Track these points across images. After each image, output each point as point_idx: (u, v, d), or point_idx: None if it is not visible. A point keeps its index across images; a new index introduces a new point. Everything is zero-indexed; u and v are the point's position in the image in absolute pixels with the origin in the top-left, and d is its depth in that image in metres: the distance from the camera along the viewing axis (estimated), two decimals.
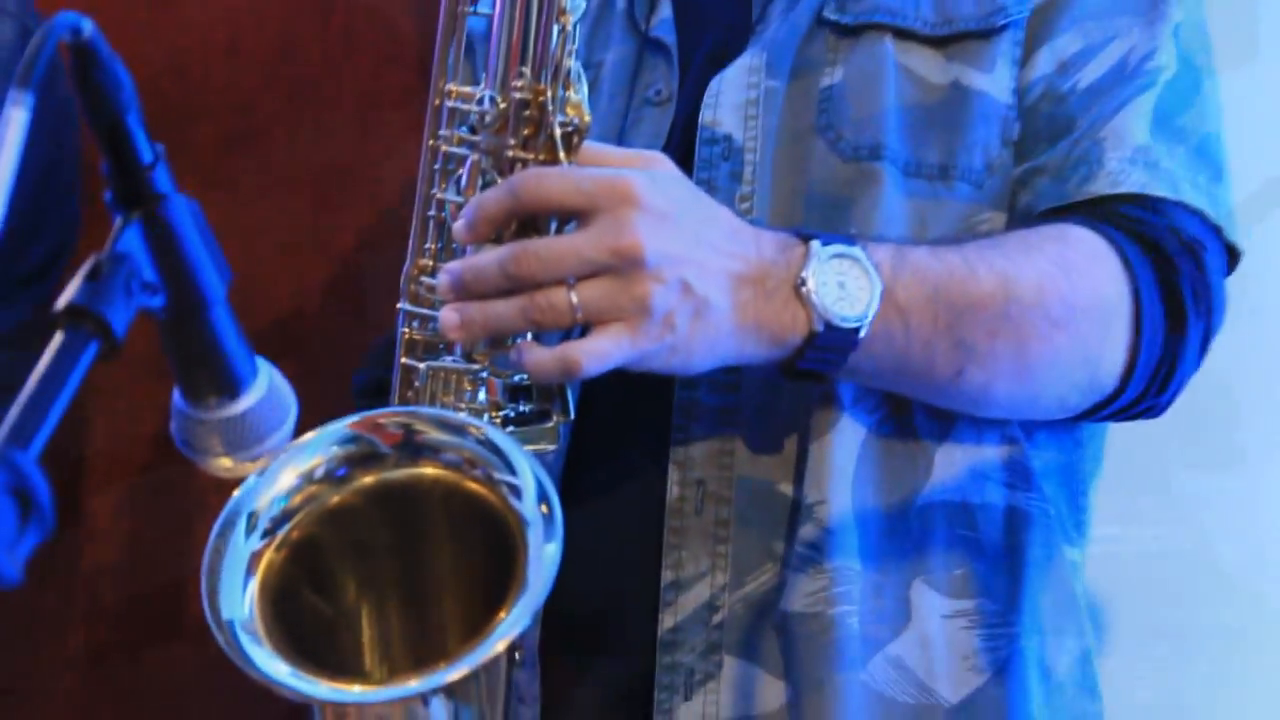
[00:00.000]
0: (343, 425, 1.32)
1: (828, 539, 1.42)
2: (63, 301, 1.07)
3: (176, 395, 1.23)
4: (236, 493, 1.30)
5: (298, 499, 1.31)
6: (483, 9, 1.39)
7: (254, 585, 1.27)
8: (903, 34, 1.49)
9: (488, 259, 1.24)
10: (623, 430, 1.49)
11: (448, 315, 1.27)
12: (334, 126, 2.24)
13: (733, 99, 1.49)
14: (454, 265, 1.28)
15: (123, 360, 1.50)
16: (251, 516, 1.29)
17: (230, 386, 1.22)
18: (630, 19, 1.60)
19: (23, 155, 1.89)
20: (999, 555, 1.46)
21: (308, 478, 1.32)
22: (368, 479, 1.32)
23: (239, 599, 1.25)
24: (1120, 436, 1.77)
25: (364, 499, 1.31)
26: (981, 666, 1.44)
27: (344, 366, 1.83)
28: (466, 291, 1.26)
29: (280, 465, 1.31)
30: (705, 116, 1.49)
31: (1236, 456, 2.22)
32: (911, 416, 1.46)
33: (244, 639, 1.23)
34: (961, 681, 1.43)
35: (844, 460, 1.43)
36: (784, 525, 1.44)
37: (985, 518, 1.46)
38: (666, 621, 1.44)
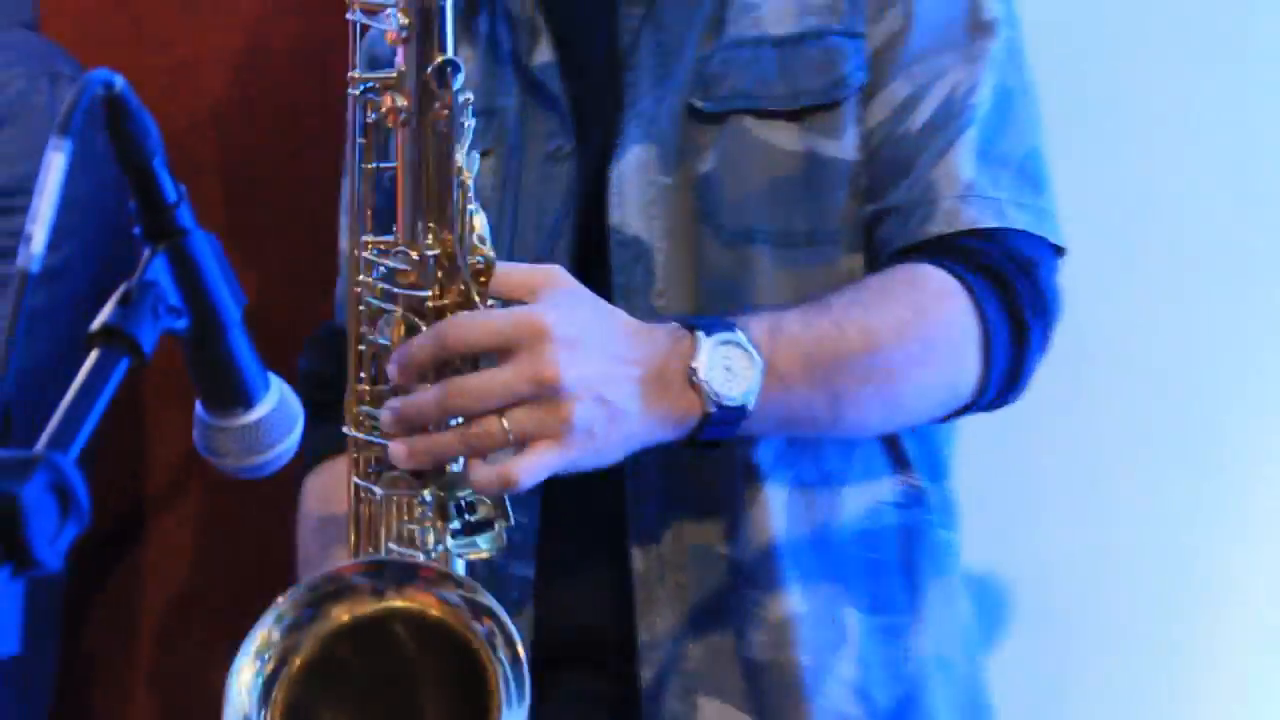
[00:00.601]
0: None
1: (773, 600, 1.44)
2: (98, 323, 1.09)
3: (198, 406, 1.24)
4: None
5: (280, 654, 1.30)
6: (388, 163, 1.39)
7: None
8: (758, 113, 1.49)
9: (426, 398, 1.26)
10: (586, 512, 1.49)
11: (397, 449, 1.28)
12: (333, 176, 2.23)
13: (636, 199, 1.49)
14: (395, 403, 1.29)
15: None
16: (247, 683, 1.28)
17: (245, 398, 1.23)
18: (515, 59, 1.58)
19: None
20: (899, 571, 1.49)
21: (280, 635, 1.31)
22: (341, 616, 1.31)
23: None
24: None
25: (339, 635, 1.31)
26: (902, 674, 1.46)
27: None
28: (408, 426, 1.27)
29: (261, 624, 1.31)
30: (614, 217, 1.49)
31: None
32: (822, 465, 1.49)
33: None
34: (891, 689, 1.45)
35: (775, 520, 1.45)
36: (731, 584, 1.46)
37: (884, 541, 1.49)
38: (646, 675, 1.45)
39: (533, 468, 1.23)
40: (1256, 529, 2.05)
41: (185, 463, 2.40)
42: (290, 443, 1.28)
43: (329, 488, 1.53)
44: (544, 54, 1.58)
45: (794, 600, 1.44)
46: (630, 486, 1.47)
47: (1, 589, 0.97)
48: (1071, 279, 1.54)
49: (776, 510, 1.45)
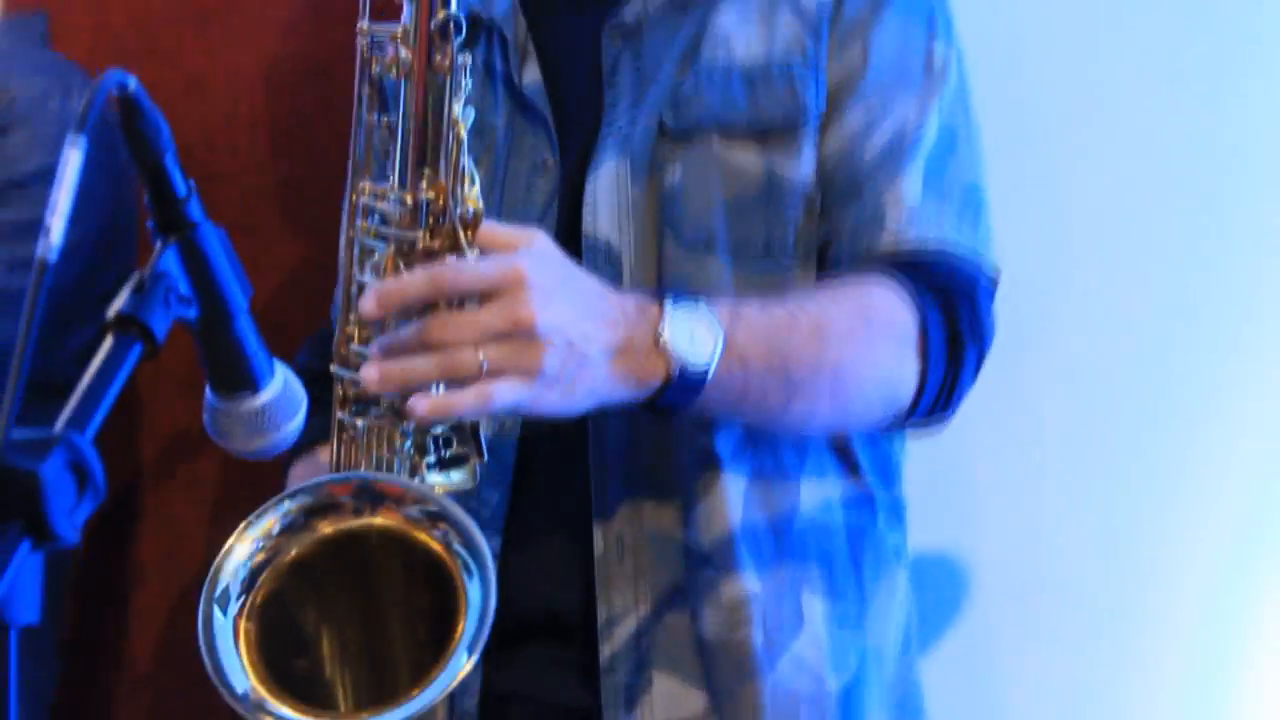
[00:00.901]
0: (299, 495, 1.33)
1: (731, 579, 1.45)
2: (113, 311, 1.09)
3: (208, 390, 1.25)
4: (208, 582, 1.30)
5: (264, 562, 1.31)
6: (391, 118, 1.40)
7: (240, 641, 1.27)
8: (725, 134, 1.51)
9: (408, 330, 1.28)
10: (553, 492, 1.50)
11: (368, 370, 1.28)
12: (337, 182, 2.23)
13: (608, 207, 1.51)
14: (382, 340, 1.31)
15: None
16: (225, 591, 1.29)
17: (251, 383, 1.23)
18: (506, 78, 1.60)
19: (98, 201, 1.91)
20: (849, 565, 1.49)
21: (268, 543, 1.32)
22: (324, 529, 1.32)
23: (232, 652, 1.26)
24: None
25: (322, 548, 1.32)
26: (848, 663, 1.46)
27: None
28: (390, 352, 1.29)
29: (248, 529, 1.32)
30: (587, 223, 1.51)
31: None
32: (779, 459, 1.49)
33: (257, 705, 1.25)
34: (839, 676, 1.46)
35: (733, 507, 1.46)
36: (687, 566, 1.46)
37: (835, 534, 1.49)
38: (605, 651, 1.45)
39: (506, 393, 1.24)
40: (1186, 523, 2.02)
41: (180, 444, 2.40)
42: (294, 426, 1.28)
43: (312, 473, 1.53)
44: (532, 74, 1.60)
45: (749, 581, 1.44)
46: (594, 470, 1.48)
47: (22, 561, 0.97)
48: (1010, 278, 1.56)
49: (734, 498, 1.46)
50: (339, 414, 1.39)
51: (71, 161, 1.01)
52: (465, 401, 1.25)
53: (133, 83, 1.07)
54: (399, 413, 1.32)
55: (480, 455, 1.36)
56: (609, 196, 1.51)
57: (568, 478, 1.49)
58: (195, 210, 1.15)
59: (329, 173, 2.15)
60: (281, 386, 1.26)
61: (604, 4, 1.59)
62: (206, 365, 1.23)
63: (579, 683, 1.47)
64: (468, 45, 1.57)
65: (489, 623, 1.21)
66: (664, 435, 1.47)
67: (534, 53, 1.60)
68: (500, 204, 1.55)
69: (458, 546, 1.25)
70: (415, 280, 1.29)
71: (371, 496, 1.31)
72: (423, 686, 1.22)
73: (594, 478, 1.48)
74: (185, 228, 1.15)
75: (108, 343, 1.09)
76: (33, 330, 1.09)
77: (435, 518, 1.28)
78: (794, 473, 1.49)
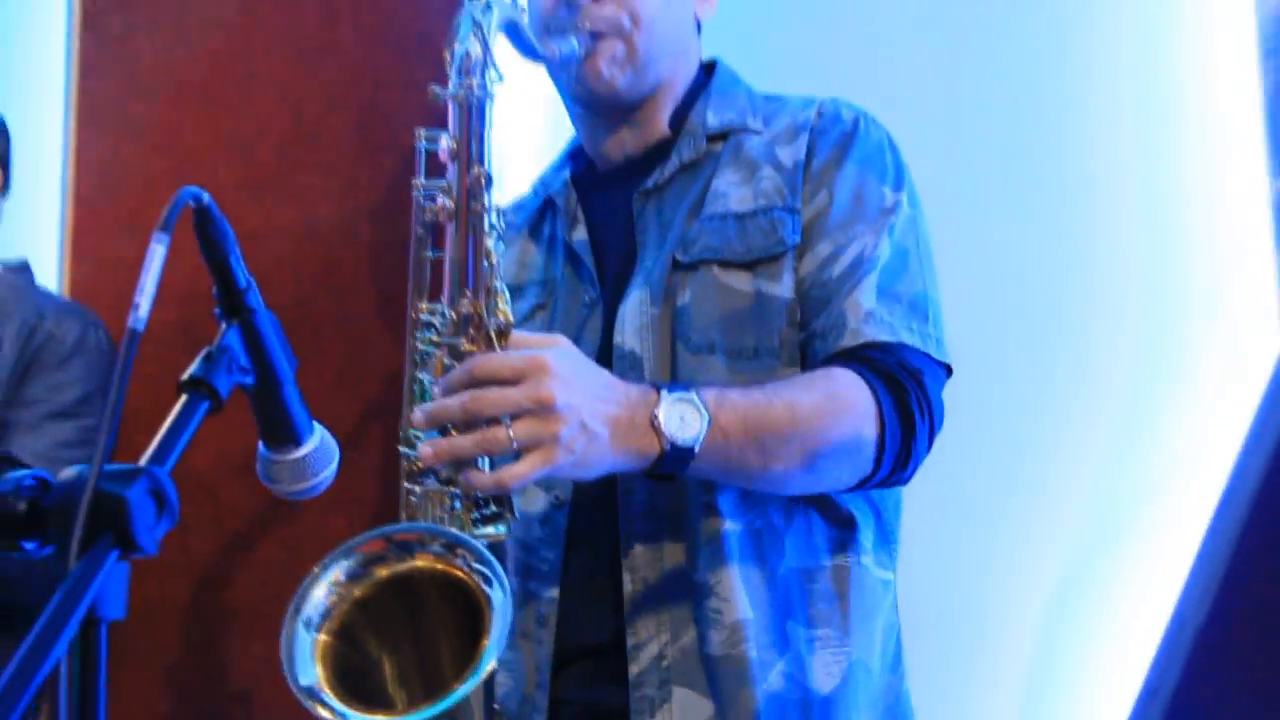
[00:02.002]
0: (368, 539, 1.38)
1: (728, 607, 1.46)
2: (185, 375, 1.12)
3: (260, 445, 1.27)
4: (299, 595, 1.35)
5: (337, 599, 1.35)
6: (438, 253, 1.48)
7: (317, 661, 1.31)
8: (722, 264, 1.54)
9: (452, 402, 1.31)
10: (594, 548, 1.53)
11: (424, 448, 1.33)
12: (358, 315, 2.25)
13: (633, 325, 1.55)
14: (425, 405, 1.35)
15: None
16: (307, 621, 1.33)
17: (295, 439, 1.25)
18: (564, 240, 1.66)
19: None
20: (832, 598, 1.49)
21: (336, 588, 1.36)
22: (380, 573, 1.36)
23: (310, 667, 1.29)
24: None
25: (380, 587, 1.36)
26: (834, 672, 1.46)
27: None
28: (435, 421, 1.33)
29: (319, 577, 1.36)
30: (617, 338, 1.55)
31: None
32: (769, 519, 1.50)
33: (317, 692, 1.28)
34: (826, 681, 1.46)
35: (732, 554, 1.47)
36: (695, 602, 1.47)
37: (820, 576, 1.50)
38: (634, 670, 1.47)
39: (523, 473, 1.28)
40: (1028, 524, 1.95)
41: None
42: (328, 474, 1.30)
43: None
44: (580, 233, 1.65)
45: (743, 610, 1.45)
46: (623, 527, 1.51)
47: (112, 568, 0.99)
48: None
49: (731, 545, 1.47)
50: (404, 484, 1.43)
51: (156, 255, 1.04)
52: (502, 480, 1.30)
53: (206, 196, 1.11)
54: (447, 482, 1.38)
55: (512, 514, 1.41)
56: (634, 318, 1.55)
57: (604, 535, 1.51)
58: (254, 299, 1.18)
59: (361, 308, 2.22)
60: (319, 442, 1.28)
61: (635, 177, 1.64)
62: (259, 423, 1.25)
63: (614, 690, 1.48)
64: (538, 222, 1.65)
65: (510, 614, 1.26)
66: (676, 495, 1.50)
67: (582, 218, 1.66)
68: (556, 331, 1.58)
69: (476, 565, 1.30)
70: (456, 373, 1.33)
71: (407, 546, 1.35)
72: (466, 674, 1.26)
73: (622, 533, 1.50)
74: (245, 312, 1.17)
75: (182, 399, 1.11)
76: (122, 388, 1.12)
77: (454, 548, 1.33)
78: (781, 529, 1.50)
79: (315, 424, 1.28)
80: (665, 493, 1.50)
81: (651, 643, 1.47)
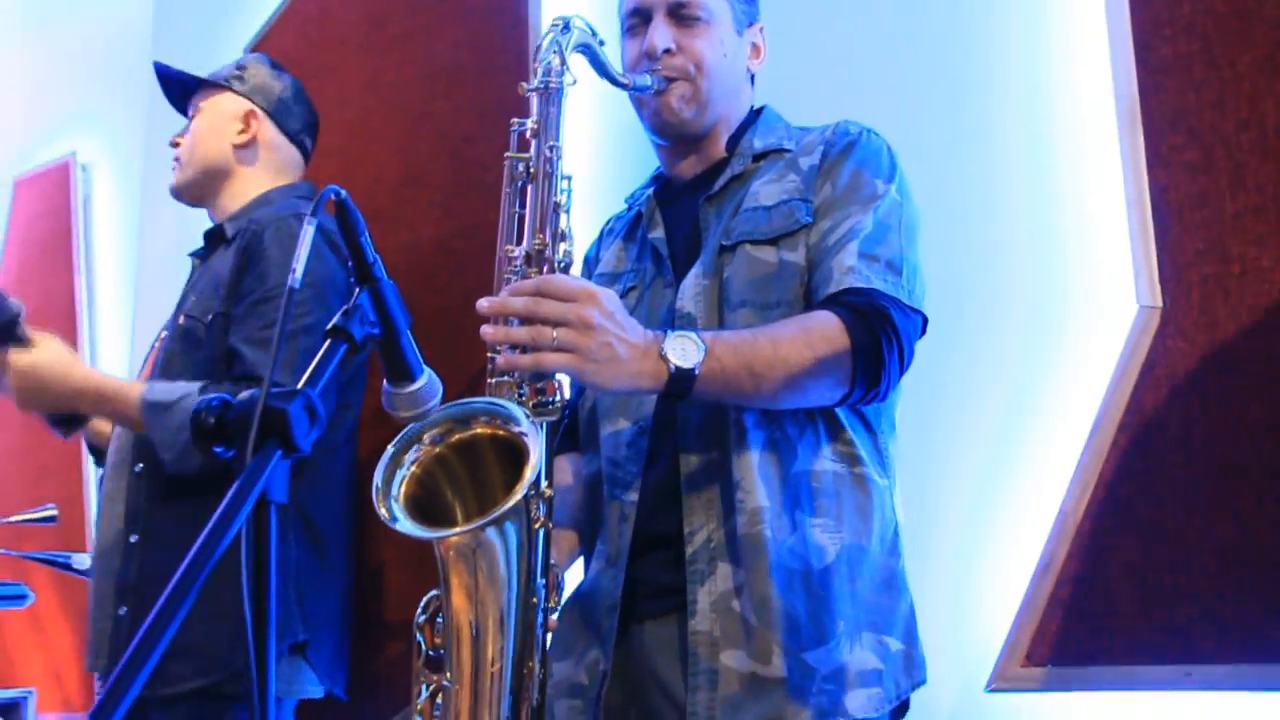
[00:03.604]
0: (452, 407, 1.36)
1: (749, 497, 1.43)
2: (330, 325, 1.12)
3: (385, 381, 1.27)
4: (385, 455, 1.33)
5: (416, 453, 1.34)
6: (521, 210, 1.46)
7: (400, 492, 1.30)
8: (754, 243, 1.52)
9: (516, 300, 1.29)
10: (661, 461, 1.50)
11: (485, 329, 1.32)
12: (450, 309, 2.22)
13: (689, 294, 1.53)
14: (496, 299, 1.32)
15: None
16: (393, 464, 1.32)
17: (410, 376, 1.25)
18: (646, 240, 1.64)
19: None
20: (831, 495, 1.45)
21: (418, 443, 1.35)
22: (452, 438, 1.35)
23: (392, 496, 1.29)
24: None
25: (449, 449, 1.35)
26: (830, 551, 1.42)
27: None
28: (499, 310, 1.31)
29: (401, 441, 1.35)
30: (679, 304, 1.53)
31: None
32: (784, 430, 1.47)
33: (395, 509, 1.28)
34: (823, 557, 1.41)
35: (754, 457, 1.44)
36: (730, 496, 1.44)
37: (823, 478, 1.46)
38: (689, 550, 1.44)
39: (556, 363, 1.27)
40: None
41: None
42: (435, 402, 1.29)
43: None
44: (657, 232, 1.63)
45: (762, 500, 1.42)
46: (680, 443, 1.48)
47: (277, 463, 0.99)
48: None
49: (754, 451, 1.44)
50: (488, 378, 1.41)
51: (307, 234, 1.05)
52: (541, 362, 1.28)
53: (343, 191, 1.11)
54: (491, 348, 1.36)
55: (560, 400, 1.40)
56: (691, 289, 1.53)
57: (669, 451, 1.49)
58: (379, 270, 1.18)
59: (438, 293, 2.18)
60: (428, 379, 1.28)
61: (699, 189, 1.63)
62: (384, 364, 1.25)
63: (673, 572, 1.45)
64: (632, 227, 1.69)
65: (540, 461, 1.27)
66: (718, 416, 1.47)
67: (660, 221, 1.64)
68: (644, 305, 1.59)
69: (520, 428, 1.30)
70: (527, 281, 1.32)
71: (470, 414, 1.35)
72: (509, 496, 1.25)
73: (680, 446, 1.48)
74: (372, 280, 1.17)
75: (327, 343, 1.11)
76: (283, 330, 1.12)
77: (504, 420, 1.32)
78: (795, 439, 1.46)
79: (425, 366, 1.28)
80: (711, 415, 1.47)
81: (701, 530, 1.44)
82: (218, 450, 1.04)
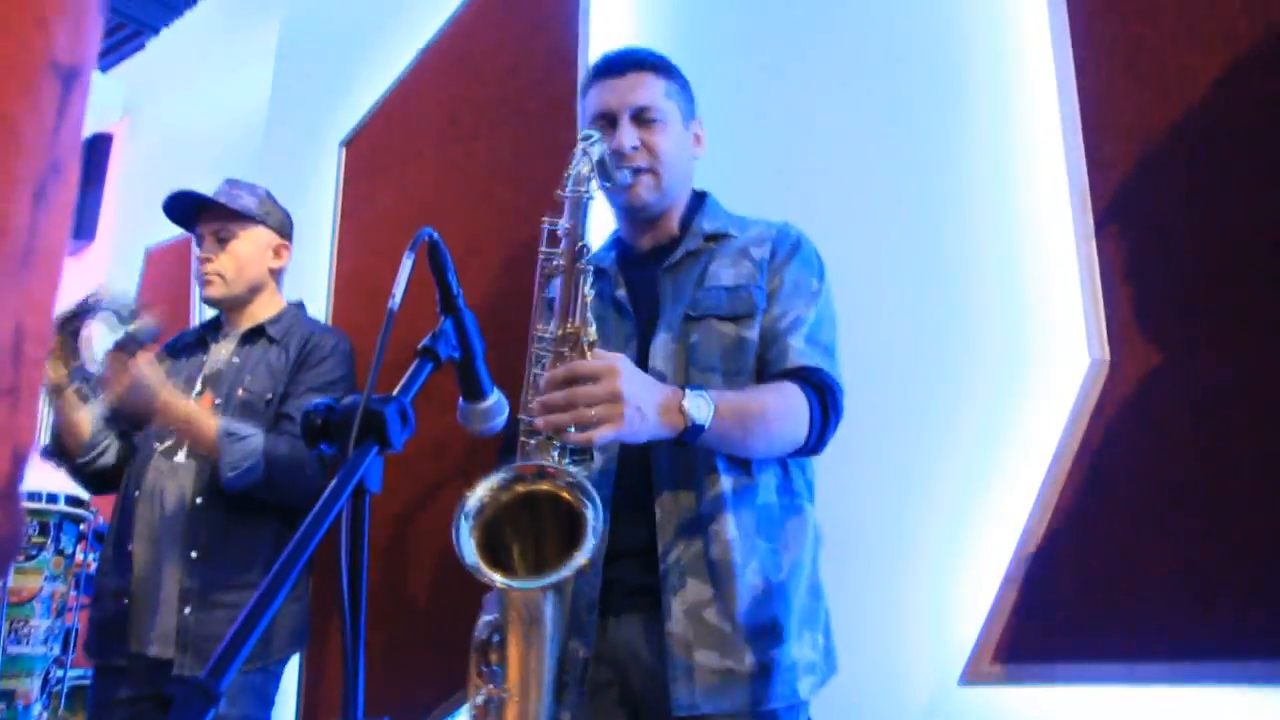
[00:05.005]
0: (506, 471, 1.34)
1: (722, 529, 1.42)
2: (420, 345, 1.11)
3: (460, 400, 1.25)
4: (462, 503, 1.31)
5: (488, 502, 1.32)
6: (551, 295, 1.45)
7: (473, 540, 1.28)
8: (719, 318, 1.52)
9: (558, 395, 1.28)
10: (634, 492, 1.48)
11: (538, 421, 1.31)
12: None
13: (660, 355, 1.52)
14: (540, 397, 1.31)
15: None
16: (468, 513, 1.30)
17: (482, 394, 1.24)
18: (611, 296, 1.63)
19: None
20: (781, 524, 1.46)
21: (490, 493, 1.33)
22: (518, 489, 1.33)
23: (469, 546, 1.27)
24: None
25: (516, 498, 1.33)
26: (784, 569, 1.43)
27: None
28: (546, 406, 1.29)
29: (480, 487, 1.32)
30: (651, 364, 1.53)
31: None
32: (750, 471, 1.47)
33: (480, 570, 1.25)
34: (776, 576, 1.41)
35: (725, 494, 1.44)
36: (702, 527, 1.44)
37: (774, 510, 1.46)
38: (662, 567, 1.43)
39: (604, 434, 1.26)
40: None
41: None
42: (502, 418, 1.28)
43: None
44: (622, 292, 1.63)
45: (731, 532, 1.42)
46: (655, 476, 1.47)
47: (373, 459, 0.97)
48: None
49: (725, 490, 1.44)
50: (522, 438, 1.40)
51: (406, 263, 1.03)
52: (590, 437, 1.26)
53: (435, 234, 1.10)
54: (553, 438, 1.34)
55: (592, 459, 1.39)
56: (661, 350, 1.53)
57: (642, 483, 1.48)
58: (461, 302, 1.17)
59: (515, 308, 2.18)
60: (497, 398, 1.27)
61: (659, 259, 1.63)
62: (460, 384, 1.24)
63: (648, 575, 1.44)
64: (597, 280, 1.65)
65: (600, 529, 1.23)
66: (689, 460, 1.47)
67: (622, 283, 1.64)
68: (610, 345, 1.56)
69: (581, 496, 1.27)
70: (559, 370, 1.31)
71: (540, 474, 1.32)
72: (565, 562, 1.23)
73: (655, 482, 1.47)
74: (455, 310, 1.16)
75: (416, 361, 1.10)
76: (382, 346, 1.11)
77: (572, 485, 1.29)
78: (756, 481, 1.47)
79: (495, 387, 1.27)
80: (680, 458, 1.47)
81: (673, 550, 1.43)
82: (323, 446, 1.02)
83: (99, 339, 1.93)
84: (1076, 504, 1.64)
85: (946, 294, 1.91)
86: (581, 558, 1.23)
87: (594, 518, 1.26)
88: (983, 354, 1.85)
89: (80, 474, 2.17)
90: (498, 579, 1.24)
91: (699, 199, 1.71)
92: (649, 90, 1.63)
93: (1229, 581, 1.47)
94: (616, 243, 1.74)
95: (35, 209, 0.52)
